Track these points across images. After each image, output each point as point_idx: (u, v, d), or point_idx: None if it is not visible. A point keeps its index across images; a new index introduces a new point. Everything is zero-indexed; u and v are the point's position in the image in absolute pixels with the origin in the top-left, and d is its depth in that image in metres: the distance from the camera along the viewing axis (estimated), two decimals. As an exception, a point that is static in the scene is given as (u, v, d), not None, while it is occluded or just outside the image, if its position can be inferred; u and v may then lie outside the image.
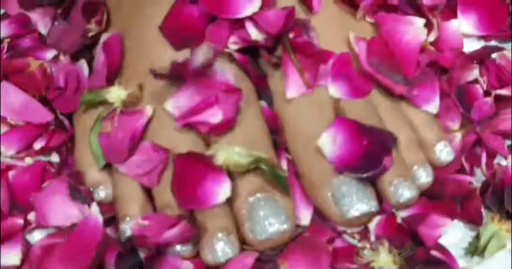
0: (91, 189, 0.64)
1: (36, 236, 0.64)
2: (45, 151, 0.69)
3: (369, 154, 0.61)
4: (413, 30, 0.66)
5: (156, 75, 0.64)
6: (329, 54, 0.65)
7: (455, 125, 0.70)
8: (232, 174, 0.61)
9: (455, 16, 0.76)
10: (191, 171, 0.61)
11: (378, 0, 0.68)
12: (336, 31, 0.69)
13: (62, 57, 0.70)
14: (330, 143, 0.61)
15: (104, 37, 0.69)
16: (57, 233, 0.63)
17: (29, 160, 0.68)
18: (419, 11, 0.69)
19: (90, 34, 0.68)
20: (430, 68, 0.69)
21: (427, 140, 0.66)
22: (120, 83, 0.66)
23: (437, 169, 0.66)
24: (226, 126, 0.63)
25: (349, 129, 0.62)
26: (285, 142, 0.67)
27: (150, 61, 0.65)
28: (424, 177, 0.64)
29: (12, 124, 0.69)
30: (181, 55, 0.65)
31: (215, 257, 0.59)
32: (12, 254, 0.61)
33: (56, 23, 0.71)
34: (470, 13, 0.75)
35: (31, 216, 0.64)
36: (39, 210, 0.64)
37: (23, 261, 0.62)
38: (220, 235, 0.59)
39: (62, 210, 0.63)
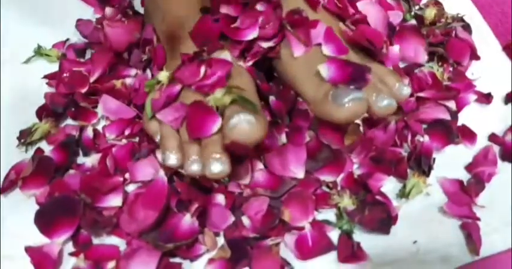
0: (153, 136, 0.66)
1: (131, 188, 0.68)
2: (131, 135, 0.72)
3: (354, 74, 0.63)
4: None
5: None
6: (316, 22, 0.67)
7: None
8: (222, 111, 0.62)
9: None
10: (197, 114, 0.62)
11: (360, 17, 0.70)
12: (326, 23, 0.69)
13: (138, 72, 0.75)
14: (327, 70, 0.63)
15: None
16: (143, 186, 0.67)
17: (124, 141, 0.72)
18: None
19: (143, 59, 0.74)
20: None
21: (389, 83, 0.65)
22: (166, 70, 0.68)
23: (378, 142, 0.69)
24: (219, 84, 0.63)
25: (339, 62, 0.64)
26: (297, 92, 0.68)
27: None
28: (391, 95, 0.64)
29: (111, 119, 0.73)
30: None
31: (210, 171, 0.59)
32: (116, 200, 0.65)
33: (133, 53, 0.77)
34: (402, 45, 0.77)
35: (127, 175, 0.68)
36: (131, 171, 0.68)
37: (123, 204, 0.65)
38: (214, 155, 0.60)
39: (143, 170, 0.68)
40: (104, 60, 0.76)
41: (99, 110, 0.74)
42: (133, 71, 0.76)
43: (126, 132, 0.73)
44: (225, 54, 0.67)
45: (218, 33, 0.68)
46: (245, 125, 0.58)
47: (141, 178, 0.68)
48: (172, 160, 0.63)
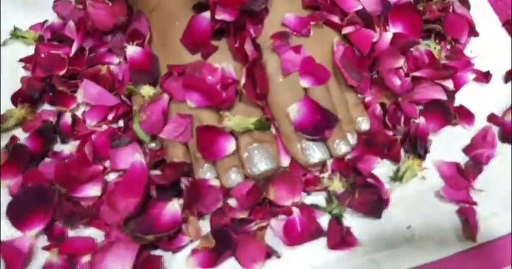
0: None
1: (112, 177, 0.67)
2: (115, 119, 0.71)
3: (318, 124, 0.65)
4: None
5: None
6: (298, 48, 0.67)
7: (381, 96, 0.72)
8: (236, 133, 0.65)
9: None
10: (209, 136, 0.64)
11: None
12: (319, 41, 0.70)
13: (121, 61, 0.72)
14: (296, 111, 0.65)
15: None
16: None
17: (104, 127, 0.70)
18: (370, 23, 0.70)
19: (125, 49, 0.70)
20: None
21: (353, 115, 0.69)
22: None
23: (373, 125, 0.69)
24: (229, 102, 0.65)
25: (310, 106, 0.65)
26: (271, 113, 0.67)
27: (177, 62, 0.67)
28: (352, 141, 0.68)
29: (92, 105, 0.71)
30: (196, 58, 0.67)
31: (230, 182, 0.64)
32: (95, 189, 0.64)
33: (116, 35, 0.75)
34: (397, 23, 0.74)
35: (107, 163, 0.67)
36: (111, 159, 0.67)
37: (102, 193, 0.64)
38: (233, 169, 0.64)
39: (125, 158, 0.66)
40: (84, 36, 0.76)
41: (79, 96, 0.71)
42: (116, 59, 0.75)
43: (110, 116, 0.71)
44: (227, 65, 0.67)
45: (210, 33, 0.67)
46: (267, 169, 0.64)
47: (122, 166, 0.67)
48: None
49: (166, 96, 0.66)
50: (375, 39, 0.70)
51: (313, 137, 0.65)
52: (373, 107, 0.71)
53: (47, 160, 0.68)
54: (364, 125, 0.69)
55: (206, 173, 0.65)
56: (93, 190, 0.65)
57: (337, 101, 0.68)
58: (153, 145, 0.67)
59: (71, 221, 0.63)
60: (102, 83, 0.72)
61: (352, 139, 0.68)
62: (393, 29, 0.73)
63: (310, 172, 0.68)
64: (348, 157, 0.68)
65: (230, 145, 0.64)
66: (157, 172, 0.65)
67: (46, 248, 0.63)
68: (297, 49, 0.67)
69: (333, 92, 0.68)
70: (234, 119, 0.64)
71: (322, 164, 0.67)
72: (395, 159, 0.69)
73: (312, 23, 0.69)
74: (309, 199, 0.67)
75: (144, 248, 0.61)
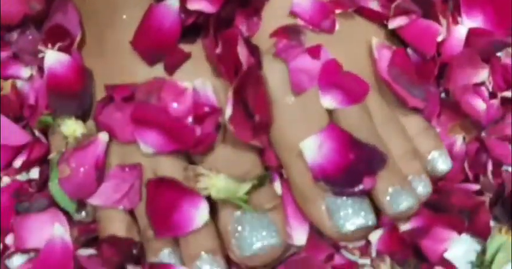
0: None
1: (16, 261, 0.53)
2: (25, 167, 0.57)
3: (352, 170, 0.50)
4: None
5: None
6: (317, 49, 0.52)
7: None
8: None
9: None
10: (165, 196, 0.49)
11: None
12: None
13: (34, 73, 0.57)
14: (314, 148, 0.50)
15: None
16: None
17: (6, 179, 0.56)
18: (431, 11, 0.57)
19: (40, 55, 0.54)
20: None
21: (421, 148, 0.54)
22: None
23: (441, 179, 0.55)
24: (206, 143, 0.51)
25: (340, 139, 0.50)
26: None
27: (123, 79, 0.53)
28: (421, 188, 0.51)
29: None
30: (154, 72, 0.53)
31: None
32: None
33: (26, 33, 0.59)
34: (475, 12, 0.60)
35: (9, 240, 0.53)
36: (17, 232, 0.52)
37: None
38: (203, 255, 0.49)
39: (40, 231, 0.52)
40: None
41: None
42: (25, 71, 0.58)
43: (17, 162, 0.55)
44: (203, 83, 0.52)
45: (178, 32, 0.53)
46: (267, 248, 0.49)
47: (33, 244, 0.52)
48: None
49: (102, 138, 0.50)
50: (440, 38, 0.56)
51: (344, 191, 0.49)
52: (451, 141, 0.57)
53: None
54: (442, 163, 0.54)
55: (164, 261, 0.50)
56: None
57: (386, 129, 0.53)
58: (82, 215, 0.52)
59: None
60: (4, 108, 0.57)
61: (423, 185, 0.52)
62: (469, 21, 0.59)
63: (340, 252, 0.54)
64: (404, 228, 0.53)
65: (200, 213, 0.49)
66: (89, 252, 0.53)
67: None
68: (314, 51, 0.52)
69: (377, 118, 0.54)
70: (216, 181, 0.49)
71: (364, 238, 0.53)
72: (482, 233, 0.55)
73: (337, 11, 0.54)
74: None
75: None
